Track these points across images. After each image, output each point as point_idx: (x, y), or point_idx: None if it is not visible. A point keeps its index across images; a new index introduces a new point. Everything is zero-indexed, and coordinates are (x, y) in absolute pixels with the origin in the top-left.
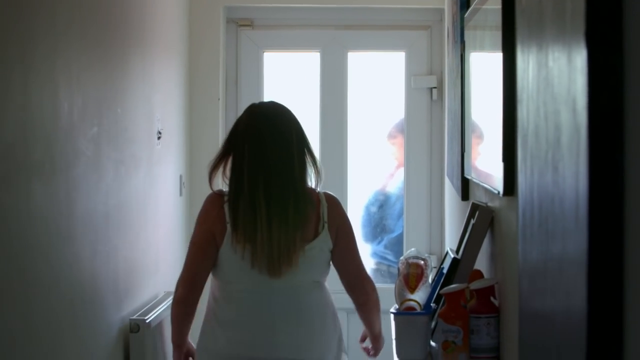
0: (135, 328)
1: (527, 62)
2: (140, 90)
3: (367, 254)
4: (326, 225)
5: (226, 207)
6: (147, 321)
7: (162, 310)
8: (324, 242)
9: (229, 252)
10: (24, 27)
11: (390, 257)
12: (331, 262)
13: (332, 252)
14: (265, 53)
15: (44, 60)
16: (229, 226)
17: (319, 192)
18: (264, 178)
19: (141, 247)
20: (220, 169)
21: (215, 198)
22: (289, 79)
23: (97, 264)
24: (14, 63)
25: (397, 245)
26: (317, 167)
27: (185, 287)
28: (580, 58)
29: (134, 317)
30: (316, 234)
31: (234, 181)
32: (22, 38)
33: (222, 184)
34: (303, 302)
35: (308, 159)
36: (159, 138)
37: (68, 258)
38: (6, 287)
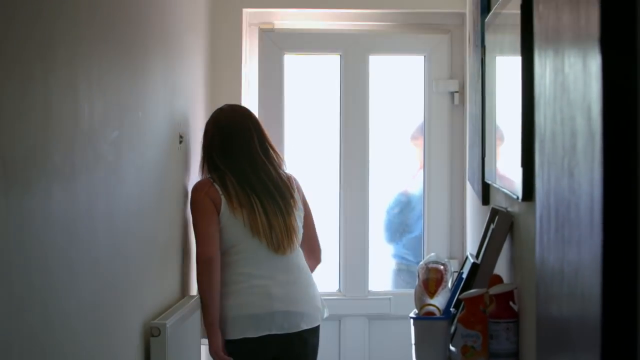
0: (157, 332)
1: (544, 68)
2: (162, 94)
3: (389, 255)
4: (298, 198)
5: (216, 184)
6: (168, 325)
7: (183, 313)
8: (301, 211)
9: (229, 217)
10: (44, 30)
11: (409, 257)
12: None
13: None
14: (286, 56)
15: (65, 63)
16: (223, 197)
17: (287, 173)
18: (240, 172)
19: (162, 251)
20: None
21: (205, 180)
22: (309, 81)
23: (118, 268)
24: (34, 66)
25: (416, 246)
26: (277, 152)
27: (205, 246)
28: (594, 64)
29: (155, 320)
30: (297, 204)
31: (213, 171)
32: (42, 41)
33: None
34: (293, 262)
35: (269, 147)
36: (180, 142)
37: (88, 262)
38: (26, 290)
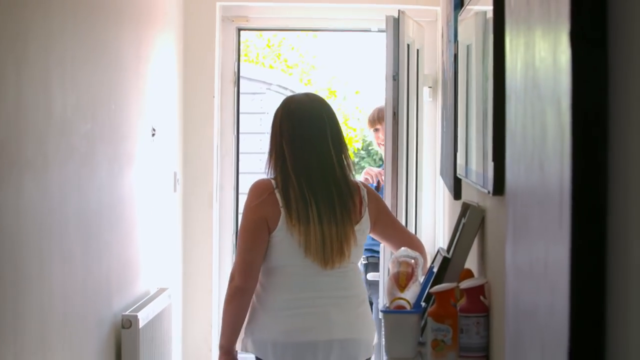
0: (127, 324)
1: (515, 62)
2: (135, 87)
3: None
4: (367, 209)
5: (277, 192)
6: (140, 317)
7: (155, 306)
8: (365, 224)
9: (284, 235)
10: (17, 23)
11: (379, 249)
12: (383, 238)
13: (373, 231)
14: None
15: (37, 56)
16: (283, 210)
17: (356, 180)
18: (306, 172)
19: (134, 243)
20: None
21: (265, 183)
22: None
23: (90, 260)
24: (6, 59)
25: None
26: (349, 157)
27: (243, 275)
28: (564, 58)
29: (126, 313)
30: (360, 217)
31: (279, 172)
32: (14, 35)
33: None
34: (349, 283)
35: (343, 145)
36: (153, 135)
37: (60, 254)
38: None
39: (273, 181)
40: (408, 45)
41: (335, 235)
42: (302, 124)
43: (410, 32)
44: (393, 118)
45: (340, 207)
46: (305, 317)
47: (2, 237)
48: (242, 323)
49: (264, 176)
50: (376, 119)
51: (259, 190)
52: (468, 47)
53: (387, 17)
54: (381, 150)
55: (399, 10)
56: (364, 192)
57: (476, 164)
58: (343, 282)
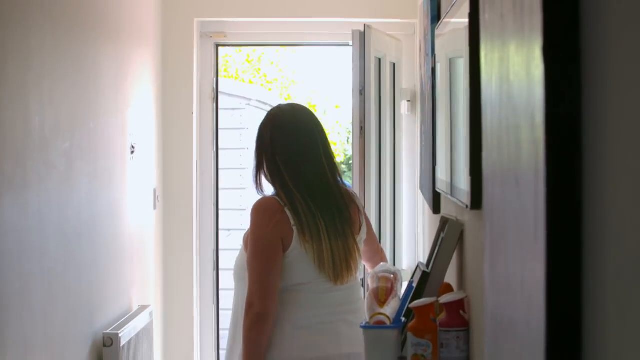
0: (109, 342)
1: (490, 76)
2: (114, 105)
3: None
4: (363, 217)
5: (287, 210)
6: (121, 335)
7: (136, 324)
8: (364, 233)
9: (299, 253)
10: None
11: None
12: (365, 246)
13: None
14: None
15: (16, 73)
16: (295, 228)
17: (347, 188)
18: (307, 187)
19: (115, 260)
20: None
21: (272, 202)
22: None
23: (70, 278)
24: None
25: None
26: (337, 165)
27: (264, 300)
28: (538, 72)
29: (107, 331)
30: (360, 227)
31: (279, 188)
32: None
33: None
34: (355, 297)
35: (332, 155)
36: (132, 152)
37: (40, 272)
38: None
39: (277, 199)
40: (380, 59)
41: (343, 250)
42: (294, 135)
43: (381, 46)
44: (360, 132)
45: (341, 220)
46: (318, 333)
47: None
48: (265, 350)
49: (245, 192)
50: None
51: (270, 210)
52: (445, 61)
53: (354, 32)
54: None
55: (364, 24)
56: (359, 200)
57: (454, 178)
58: (350, 296)
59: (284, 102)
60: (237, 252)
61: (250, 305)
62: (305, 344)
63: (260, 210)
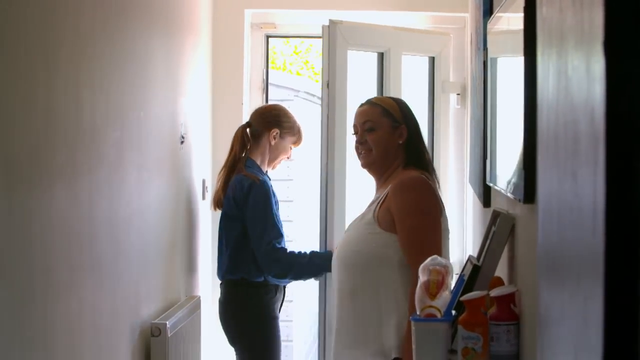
0: (157, 332)
1: (547, 71)
2: (164, 94)
3: None
4: None
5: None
6: (169, 325)
7: (184, 314)
8: None
9: (446, 229)
10: (48, 30)
11: None
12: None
13: None
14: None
15: (68, 64)
16: (444, 211)
17: None
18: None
19: (163, 250)
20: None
21: (424, 179)
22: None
23: (119, 268)
24: (37, 67)
25: None
26: None
27: None
28: (598, 67)
29: (155, 321)
30: None
31: (422, 165)
32: (45, 42)
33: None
34: None
35: None
36: (182, 142)
37: (89, 262)
38: (27, 289)
39: (425, 177)
40: (382, 54)
41: None
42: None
43: (378, 40)
44: (327, 124)
45: None
46: None
47: (32, 244)
48: None
49: (292, 183)
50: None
51: (433, 188)
52: (498, 55)
53: (323, 27)
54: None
55: (329, 20)
56: None
57: (507, 172)
58: None
59: None
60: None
61: None
62: None
63: (429, 187)
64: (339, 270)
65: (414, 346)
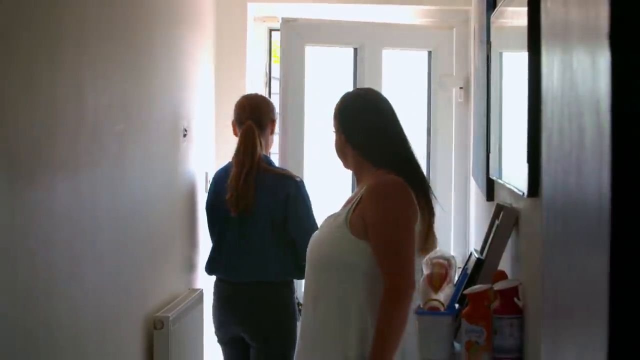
0: (160, 324)
1: (552, 64)
2: (166, 88)
3: None
4: None
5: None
6: (171, 318)
7: (186, 307)
8: None
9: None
10: (51, 23)
11: None
12: None
13: None
14: (306, 47)
15: (71, 57)
16: (419, 215)
17: None
18: (413, 165)
19: (165, 244)
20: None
21: (399, 180)
22: (324, 73)
23: (122, 261)
24: (40, 60)
25: None
26: None
27: (411, 273)
28: (603, 60)
29: (158, 313)
30: None
31: (394, 164)
32: (48, 35)
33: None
34: None
35: None
36: (184, 135)
37: (92, 254)
38: (31, 283)
39: (398, 177)
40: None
41: None
42: (387, 114)
43: (349, 38)
44: (282, 122)
45: None
46: None
47: (35, 237)
48: None
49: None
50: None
51: (408, 190)
52: (502, 48)
53: (281, 23)
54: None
55: (282, 18)
56: None
57: (510, 165)
58: None
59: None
60: None
61: (401, 287)
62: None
63: (403, 189)
64: (307, 269)
65: (418, 338)
